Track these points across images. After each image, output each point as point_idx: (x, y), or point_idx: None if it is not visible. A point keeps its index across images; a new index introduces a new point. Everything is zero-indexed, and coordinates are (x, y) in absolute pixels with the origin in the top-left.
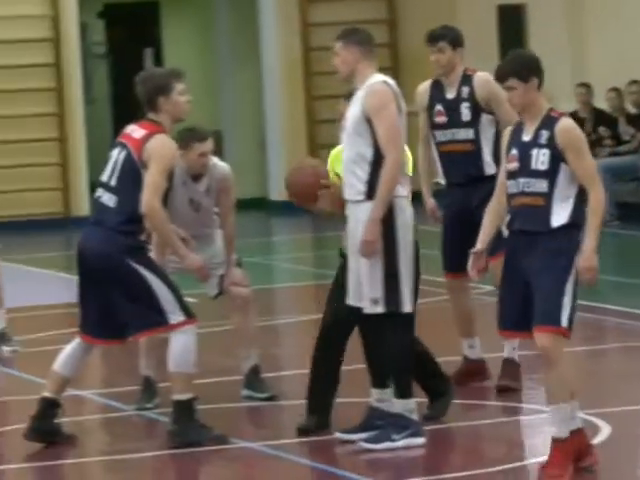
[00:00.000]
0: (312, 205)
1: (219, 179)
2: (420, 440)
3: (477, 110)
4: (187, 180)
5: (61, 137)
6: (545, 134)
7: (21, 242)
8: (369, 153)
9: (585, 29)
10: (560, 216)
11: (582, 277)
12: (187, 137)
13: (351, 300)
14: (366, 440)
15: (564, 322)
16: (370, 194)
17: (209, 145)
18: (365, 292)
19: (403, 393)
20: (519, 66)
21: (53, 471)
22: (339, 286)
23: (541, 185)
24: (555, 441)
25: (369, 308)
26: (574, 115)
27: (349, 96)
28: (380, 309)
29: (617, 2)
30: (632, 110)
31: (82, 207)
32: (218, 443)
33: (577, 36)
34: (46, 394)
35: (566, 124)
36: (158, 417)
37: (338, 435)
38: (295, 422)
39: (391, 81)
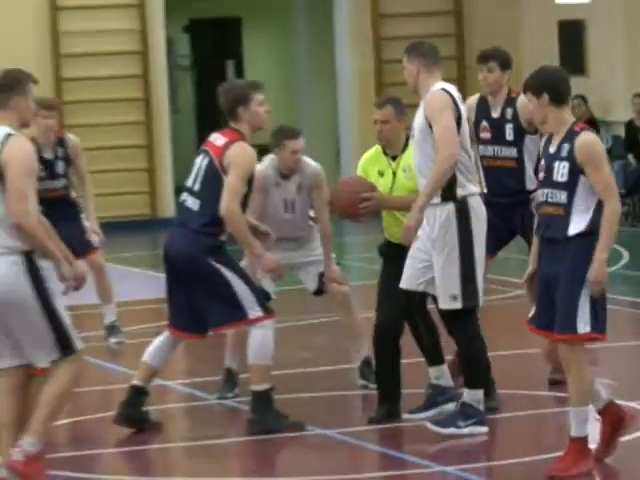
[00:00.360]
0: (355, 219)
1: (310, 176)
2: (484, 429)
3: (520, 131)
4: (279, 180)
5: (148, 144)
6: (566, 147)
7: (111, 242)
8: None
9: None
10: (579, 224)
11: (592, 289)
12: (279, 135)
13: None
14: (434, 423)
15: (581, 329)
16: (444, 196)
17: (300, 143)
18: (443, 288)
19: (474, 384)
20: (532, 81)
21: (140, 455)
22: (385, 288)
23: (561, 196)
24: (572, 439)
25: (448, 304)
26: (630, 123)
27: (381, 105)
28: (458, 305)
29: None
30: None
31: (168, 209)
32: (294, 430)
33: (634, 49)
34: (135, 382)
35: (586, 138)
36: (239, 406)
37: (406, 416)
38: (369, 411)
39: (451, 87)
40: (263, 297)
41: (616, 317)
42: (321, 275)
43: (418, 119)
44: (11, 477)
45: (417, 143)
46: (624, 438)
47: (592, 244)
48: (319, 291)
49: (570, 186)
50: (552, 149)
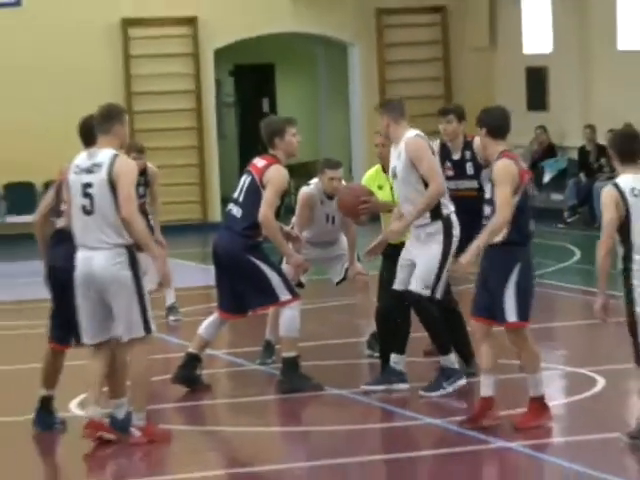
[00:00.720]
0: (356, 217)
1: None
2: (463, 381)
3: (478, 167)
4: (324, 199)
5: (200, 164)
6: (491, 171)
7: (171, 240)
8: (422, 188)
9: (591, 83)
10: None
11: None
12: (322, 164)
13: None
14: (425, 390)
15: (510, 318)
16: (433, 215)
17: (338, 172)
18: (420, 278)
19: (444, 351)
20: (478, 117)
21: (193, 410)
22: (383, 280)
23: (488, 210)
24: (532, 399)
25: (420, 289)
26: (582, 148)
27: (380, 132)
28: (428, 293)
29: (617, 66)
30: None
31: (215, 215)
32: (315, 390)
33: (585, 89)
34: (191, 350)
35: (498, 163)
36: (274, 371)
37: (422, 393)
38: (375, 375)
39: (422, 134)
40: (293, 285)
41: (570, 302)
42: (346, 269)
43: (399, 161)
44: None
45: (402, 179)
46: (572, 399)
47: (510, 249)
48: (341, 281)
49: (493, 203)
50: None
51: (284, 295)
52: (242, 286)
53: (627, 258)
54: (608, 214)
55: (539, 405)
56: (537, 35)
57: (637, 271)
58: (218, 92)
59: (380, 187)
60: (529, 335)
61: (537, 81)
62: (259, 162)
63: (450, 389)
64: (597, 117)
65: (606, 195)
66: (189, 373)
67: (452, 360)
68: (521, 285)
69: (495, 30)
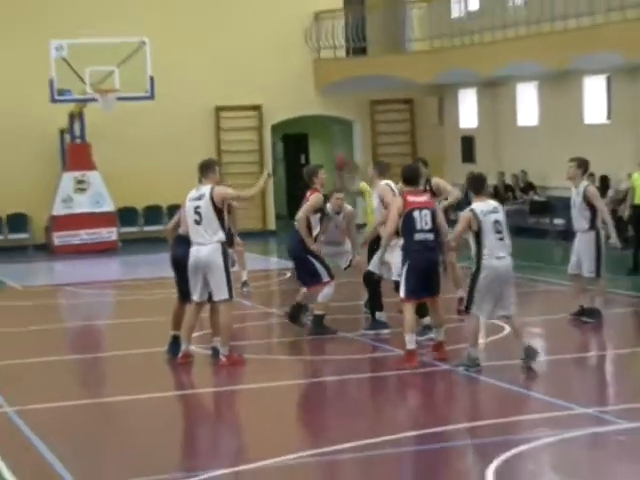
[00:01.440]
0: (341, 168)
1: (347, 214)
2: (387, 330)
3: (433, 195)
4: (333, 215)
5: (262, 194)
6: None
7: (245, 240)
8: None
9: (500, 146)
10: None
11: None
12: (332, 190)
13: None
14: (366, 329)
15: (402, 293)
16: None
17: (342, 195)
18: (395, 273)
19: (376, 310)
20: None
21: (261, 345)
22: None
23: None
24: (407, 351)
25: (376, 271)
26: (496, 187)
27: (337, 190)
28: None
29: (517, 136)
30: (521, 184)
31: (271, 226)
32: (331, 333)
33: (497, 150)
34: (298, 299)
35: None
36: (308, 322)
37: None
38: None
39: (391, 183)
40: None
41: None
42: (350, 260)
43: (376, 198)
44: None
45: (377, 207)
46: (491, 339)
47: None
48: (347, 267)
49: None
50: None
51: (325, 278)
52: (298, 271)
53: (479, 253)
54: (460, 226)
55: (411, 354)
56: (468, 117)
57: (485, 261)
58: (273, 151)
59: (365, 191)
60: (410, 306)
61: (467, 144)
62: (309, 193)
63: (372, 333)
64: (505, 167)
65: (464, 215)
66: (296, 312)
67: (380, 314)
68: (408, 272)
69: (442, 114)
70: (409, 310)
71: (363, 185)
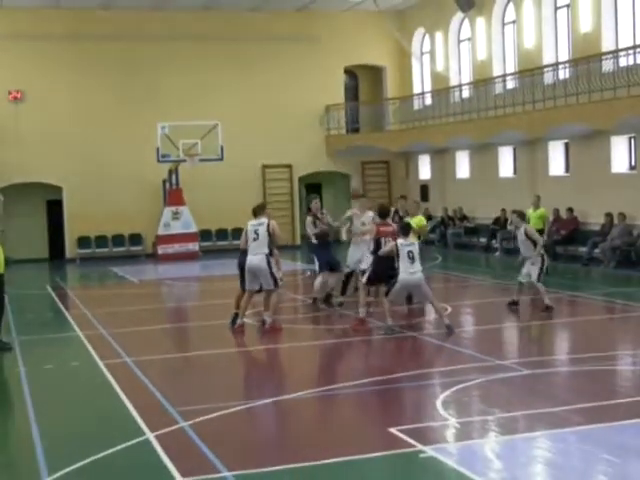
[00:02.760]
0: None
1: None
2: (338, 309)
3: (400, 218)
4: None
5: (292, 221)
6: None
7: (280, 251)
8: (367, 229)
9: (447, 189)
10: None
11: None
12: (313, 211)
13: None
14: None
15: (363, 279)
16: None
17: (325, 212)
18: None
19: (342, 294)
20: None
21: (296, 318)
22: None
23: None
24: (357, 318)
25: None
26: (442, 217)
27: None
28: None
29: (456, 185)
30: (458, 216)
31: (297, 241)
32: (340, 306)
33: (443, 192)
34: (328, 290)
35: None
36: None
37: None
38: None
39: (372, 213)
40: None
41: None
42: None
43: (364, 220)
44: (262, 333)
45: (367, 223)
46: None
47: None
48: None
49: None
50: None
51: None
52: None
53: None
54: (388, 248)
55: (362, 321)
56: (424, 172)
57: (402, 272)
58: (300, 196)
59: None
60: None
61: (424, 190)
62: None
63: (323, 305)
64: (448, 204)
65: (392, 245)
66: (327, 299)
67: (338, 294)
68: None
69: (408, 170)
70: (363, 291)
71: (350, 211)
